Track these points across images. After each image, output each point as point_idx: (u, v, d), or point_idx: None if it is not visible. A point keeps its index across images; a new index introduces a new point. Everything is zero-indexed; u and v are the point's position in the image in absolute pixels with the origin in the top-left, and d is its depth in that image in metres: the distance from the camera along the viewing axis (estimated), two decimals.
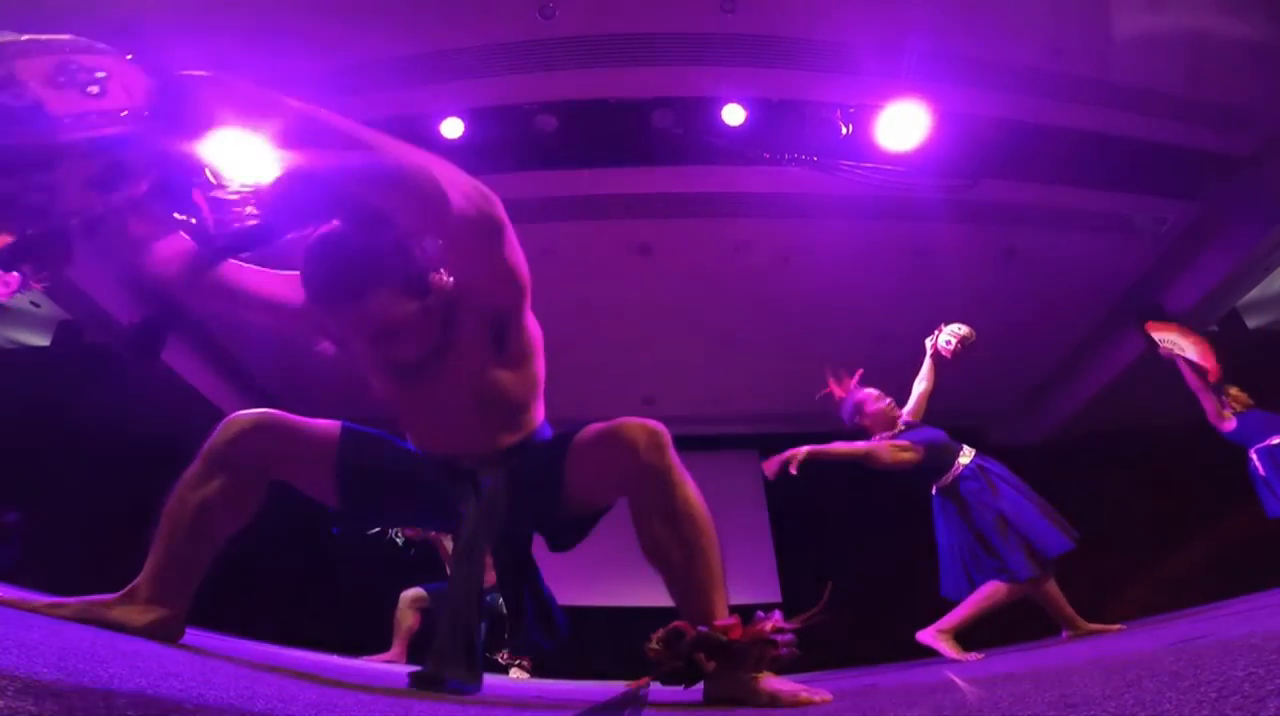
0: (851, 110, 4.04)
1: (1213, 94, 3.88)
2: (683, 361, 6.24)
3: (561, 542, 1.36)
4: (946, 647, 2.61)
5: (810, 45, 3.76)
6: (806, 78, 3.93)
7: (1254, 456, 3.81)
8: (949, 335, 3.24)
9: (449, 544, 3.82)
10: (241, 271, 1.31)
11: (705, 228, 4.85)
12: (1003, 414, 6.84)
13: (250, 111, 0.99)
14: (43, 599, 1.16)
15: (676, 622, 1.04)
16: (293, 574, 6.22)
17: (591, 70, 3.89)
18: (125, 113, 0.88)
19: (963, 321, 3.30)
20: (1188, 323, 5.07)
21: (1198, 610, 3.05)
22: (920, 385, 3.28)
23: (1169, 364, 3.93)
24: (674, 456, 1.14)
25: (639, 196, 4.62)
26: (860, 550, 5.77)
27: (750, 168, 4.30)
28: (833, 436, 2.97)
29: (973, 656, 2.54)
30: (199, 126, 0.98)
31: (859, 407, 3.09)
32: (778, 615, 1.05)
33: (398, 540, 3.97)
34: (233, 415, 1.26)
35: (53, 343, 5.71)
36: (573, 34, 3.70)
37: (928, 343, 3.31)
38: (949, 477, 2.88)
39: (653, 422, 1.16)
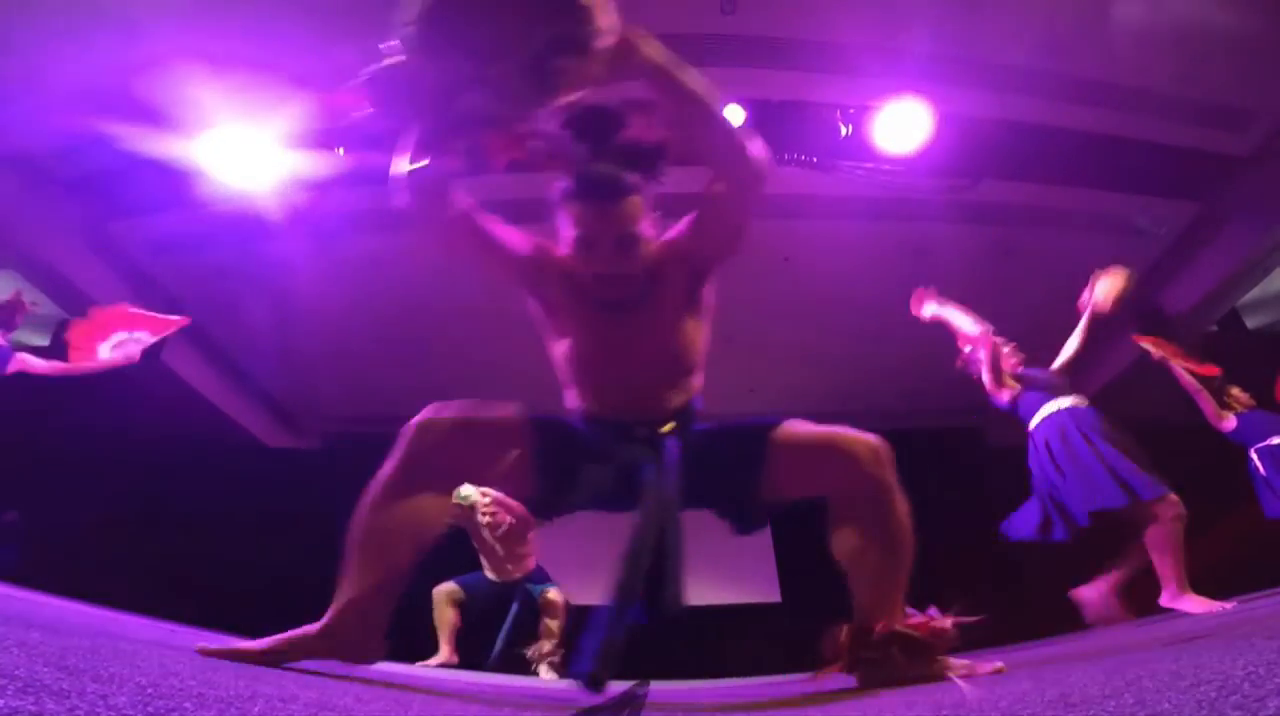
0: (851, 111, 4.04)
1: (1212, 94, 3.88)
2: None
3: (747, 526, 1.37)
4: (1195, 603, 2.46)
5: (810, 46, 3.76)
6: (806, 78, 3.93)
7: (1254, 456, 3.81)
8: (1105, 289, 3.03)
9: (487, 535, 3.69)
10: (490, 220, 1.40)
11: None
12: (1002, 414, 6.83)
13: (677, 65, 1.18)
14: (228, 641, 1.10)
15: (863, 622, 1.16)
16: (292, 568, 6.22)
17: None
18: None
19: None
20: (1188, 322, 5.08)
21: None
22: (1072, 343, 3.21)
23: (1165, 367, 3.94)
24: (894, 473, 1.21)
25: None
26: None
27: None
28: None
29: (1226, 605, 2.40)
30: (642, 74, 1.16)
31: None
32: (934, 610, 1.18)
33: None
34: (423, 419, 1.20)
35: (53, 340, 5.71)
36: None
37: (1084, 298, 3.14)
38: (1043, 414, 2.88)
39: (875, 438, 1.23)
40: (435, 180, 1.29)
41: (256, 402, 6.85)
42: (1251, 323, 5.99)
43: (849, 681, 1.21)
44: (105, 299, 4.99)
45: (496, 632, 3.75)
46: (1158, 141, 4.16)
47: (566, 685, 2.54)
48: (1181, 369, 3.84)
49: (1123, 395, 5.88)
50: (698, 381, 1.42)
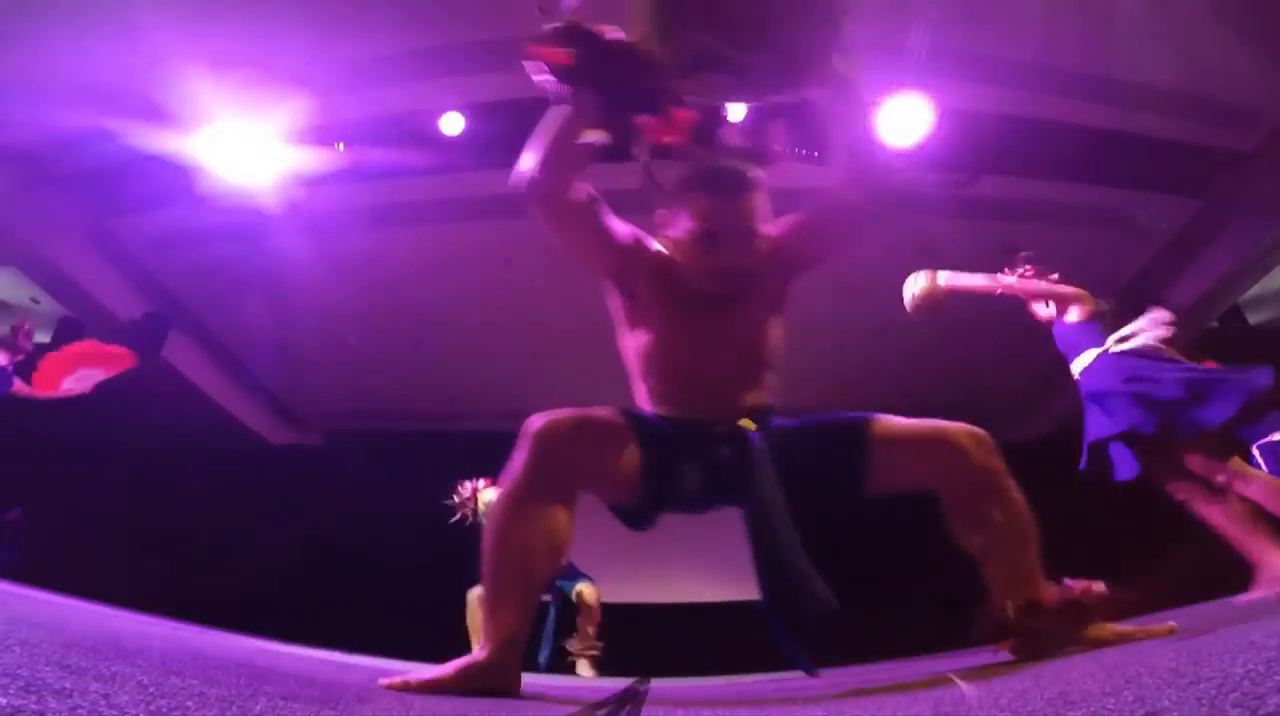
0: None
1: (1214, 90, 3.86)
2: None
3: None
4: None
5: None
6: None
7: (1256, 452, 3.80)
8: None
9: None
10: (600, 206, 1.40)
11: None
12: (1001, 411, 6.84)
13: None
14: (401, 672, 1.06)
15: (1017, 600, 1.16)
16: (294, 565, 6.23)
17: None
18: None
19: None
20: (1189, 318, 5.07)
21: (1198, 607, 3.05)
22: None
23: None
24: (1000, 458, 1.23)
25: (640, 192, 4.61)
26: (859, 548, 5.78)
27: (751, 164, 4.29)
28: None
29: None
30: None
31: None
32: (1069, 581, 1.19)
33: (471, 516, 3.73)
34: (544, 426, 1.13)
35: (53, 339, 5.71)
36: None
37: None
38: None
39: (978, 429, 1.24)
40: (578, 155, 1.29)
41: (258, 399, 6.86)
42: (1254, 319, 5.98)
43: (851, 682, 1.21)
44: (105, 297, 5.01)
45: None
46: (1159, 137, 4.15)
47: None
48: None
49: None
50: (775, 380, 1.41)
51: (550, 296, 5.51)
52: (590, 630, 3.58)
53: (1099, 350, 2.84)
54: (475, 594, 3.75)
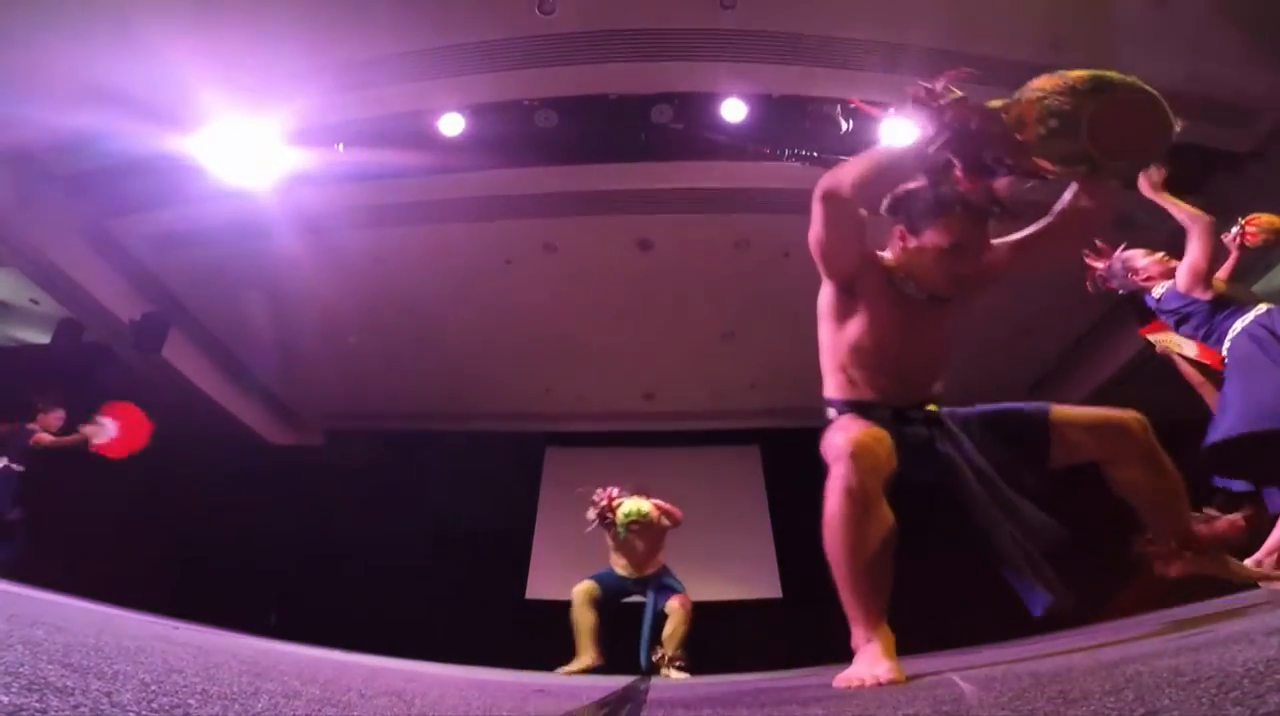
0: (851, 106, 4.03)
1: (1214, 90, 3.86)
2: (683, 357, 6.25)
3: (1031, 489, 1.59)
4: None
5: (810, 41, 3.75)
6: (806, 73, 3.92)
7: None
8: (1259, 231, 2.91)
9: (638, 540, 3.82)
10: (862, 223, 1.65)
11: (705, 223, 4.84)
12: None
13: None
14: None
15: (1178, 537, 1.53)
16: (295, 564, 6.24)
17: (592, 66, 3.88)
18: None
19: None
20: None
21: (1198, 606, 3.05)
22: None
23: (1168, 360, 3.92)
24: (1154, 434, 1.51)
25: (639, 192, 4.62)
26: None
27: (750, 163, 4.29)
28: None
29: None
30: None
31: (1129, 267, 2.79)
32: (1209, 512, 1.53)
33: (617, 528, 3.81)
34: (854, 446, 1.30)
35: (53, 339, 5.71)
36: (573, 30, 3.69)
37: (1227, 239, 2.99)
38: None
39: (1139, 413, 1.51)
40: (890, 186, 1.62)
41: (256, 400, 6.86)
42: None
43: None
44: (105, 297, 5.00)
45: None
46: None
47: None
48: (1184, 362, 3.81)
49: (1122, 392, 5.89)
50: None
51: (550, 296, 5.52)
52: (680, 636, 3.63)
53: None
54: (582, 589, 3.77)
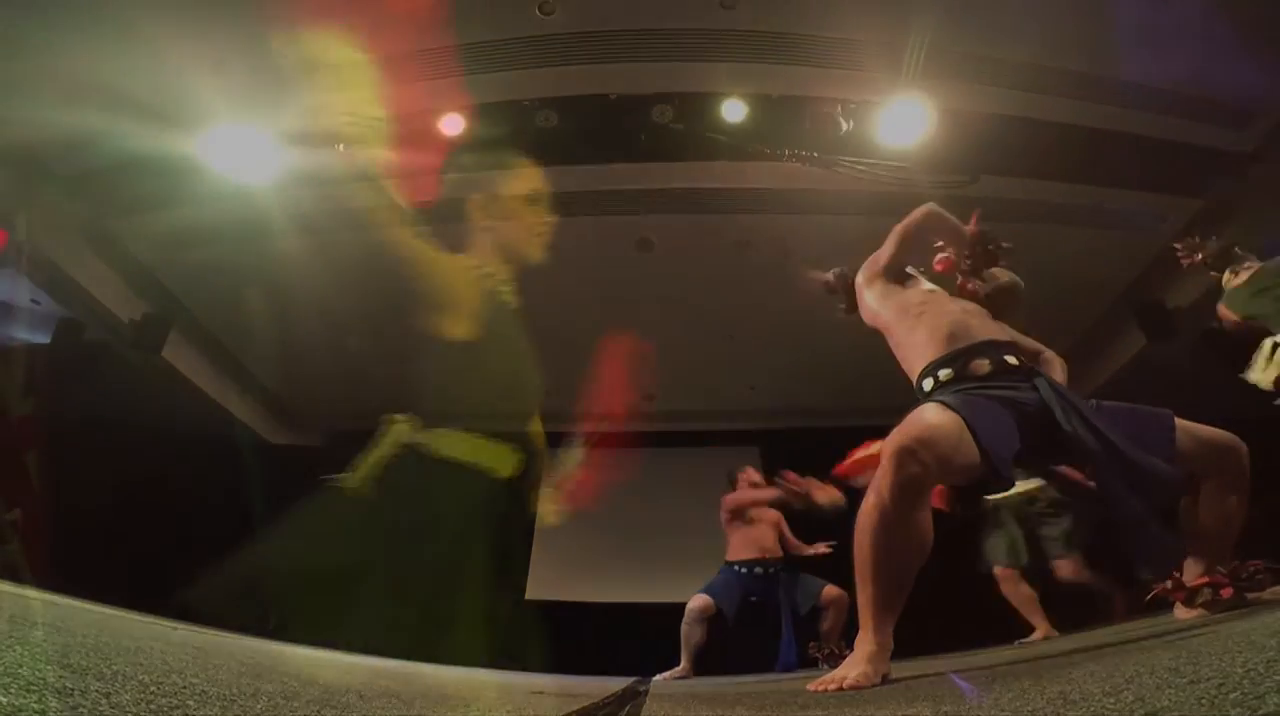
0: (851, 106, 4.03)
1: (1214, 90, 3.86)
2: (683, 357, 6.25)
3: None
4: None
5: (810, 41, 3.75)
6: (806, 73, 3.92)
7: None
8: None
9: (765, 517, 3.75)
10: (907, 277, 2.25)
11: (705, 223, 4.84)
12: None
13: None
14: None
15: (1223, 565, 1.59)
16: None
17: (592, 66, 3.88)
18: None
19: None
20: (1189, 318, 5.06)
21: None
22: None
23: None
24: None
25: (639, 192, 4.62)
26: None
27: (750, 163, 4.30)
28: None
29: None
30: None
31: None
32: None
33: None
34: (903, 442, 1.32)
35: (53, 339, 5.71)
36: (573, 30, 3.69)
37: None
38: None
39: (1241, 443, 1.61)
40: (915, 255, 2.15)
41: (257, 400, 6.85)
42: None
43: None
44: (105, 297, 5.00)
45: (741, 623, 3.73)
46: (1158, 137, 4.14)
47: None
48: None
49: (1120, 392, 5.88)
50: None
51: (550, 297, 5.51)
52: (838, 628, 3.50)
53: None
54: (694, 606, 3.69)
